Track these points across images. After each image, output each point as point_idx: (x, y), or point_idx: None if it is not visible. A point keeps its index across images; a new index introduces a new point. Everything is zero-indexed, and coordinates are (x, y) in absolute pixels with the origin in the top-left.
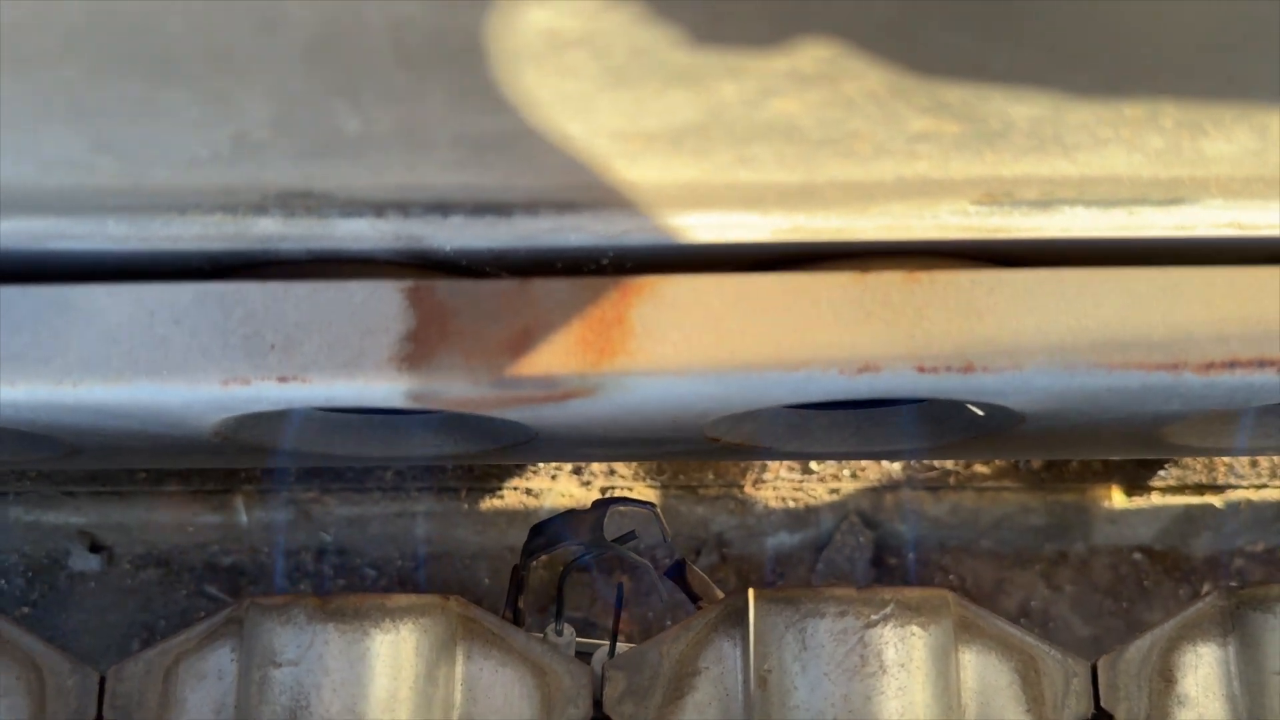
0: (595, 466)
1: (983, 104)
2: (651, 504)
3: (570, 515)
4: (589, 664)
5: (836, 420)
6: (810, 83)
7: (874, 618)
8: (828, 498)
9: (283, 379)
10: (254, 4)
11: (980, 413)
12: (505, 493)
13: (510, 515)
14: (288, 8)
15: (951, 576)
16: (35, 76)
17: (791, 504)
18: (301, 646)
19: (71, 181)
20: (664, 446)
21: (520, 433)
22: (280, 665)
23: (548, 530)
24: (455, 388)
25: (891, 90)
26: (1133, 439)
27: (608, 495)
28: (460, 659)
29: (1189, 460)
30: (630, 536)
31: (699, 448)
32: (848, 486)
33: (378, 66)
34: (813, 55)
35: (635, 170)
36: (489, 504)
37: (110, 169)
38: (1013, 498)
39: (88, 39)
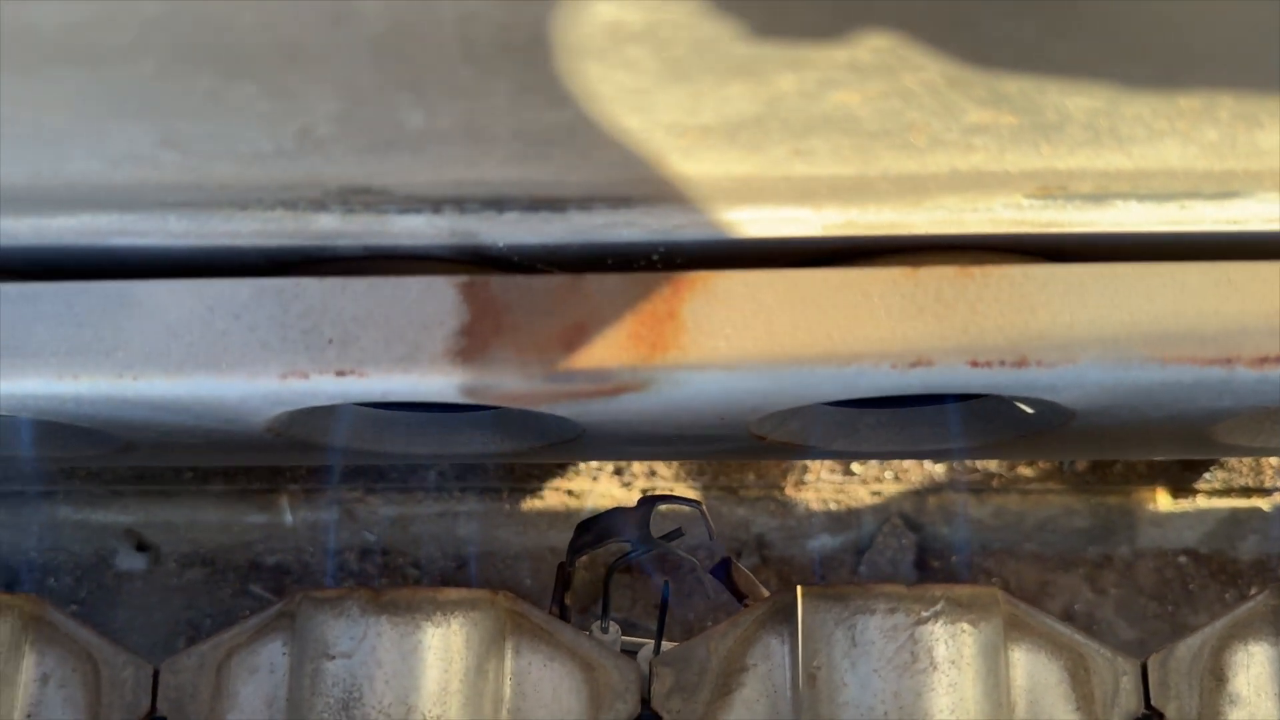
0: (636, 467)
1: (1040, 96)
2: (697, 502)
3: (616, 513)
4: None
5: (883, 419)
6: (869, 74)
7: (924, 614)
8: (870, 500)
9: (340, 373)
10: None
11: (1029, 410)
12: (547, 493)
13: (552, 516)
14: (358, 4)
15: (995, 579)
16: (109, 72)
17: (833, 506)
18: (355, 639)
19: (137, 177)
20: (709, 445)
21: (568, 429)
22: (333, 657)
23: (594, 527)
24: (508, 382)
25: (950, 81)
26: (1181, 438)
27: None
28: (509, 653)
29: (1235, 463)
30: (677, 534)
31: (744, 446)
32: (890, 488)
33: (444, 61)
34: (872, 46)
35: (690, 164)
36: (531, 504)
37: (175, 164)
38: (1057, 500)
39: (162, 34)
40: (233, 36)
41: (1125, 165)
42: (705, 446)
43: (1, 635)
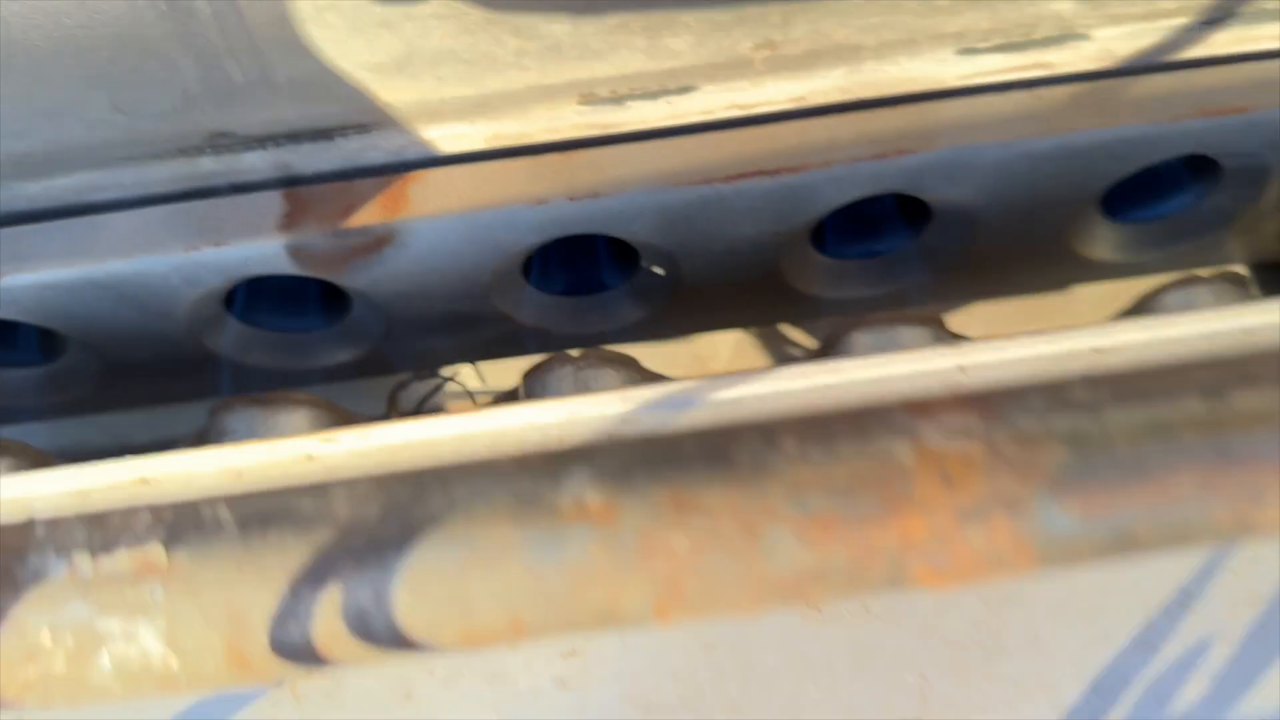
0: None
1: (532, 26)
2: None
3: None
4: None
5: (597, 301)
6: (444, 18)
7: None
8: None
9: (216, 244)
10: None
11: (661, 271)
12: None
13: None
14: (193, 4)
15: None
16: (88, 58)
17: None
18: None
19: (102, 137)
20: (481, 329)
21: (375, 315)
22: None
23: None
24: (315, 242)
25: (486, 20)
26: (764, 288)
27: None
28: None
29: None
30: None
31: (505, 330)
32: None
33: (239, 32)
34: None
35: (387, 94)
36: None
37: (122, 124)
38: None
39: (110, 30)
40: (142, 28)
41: (611, 72)
42: (479, 333)
43: None
